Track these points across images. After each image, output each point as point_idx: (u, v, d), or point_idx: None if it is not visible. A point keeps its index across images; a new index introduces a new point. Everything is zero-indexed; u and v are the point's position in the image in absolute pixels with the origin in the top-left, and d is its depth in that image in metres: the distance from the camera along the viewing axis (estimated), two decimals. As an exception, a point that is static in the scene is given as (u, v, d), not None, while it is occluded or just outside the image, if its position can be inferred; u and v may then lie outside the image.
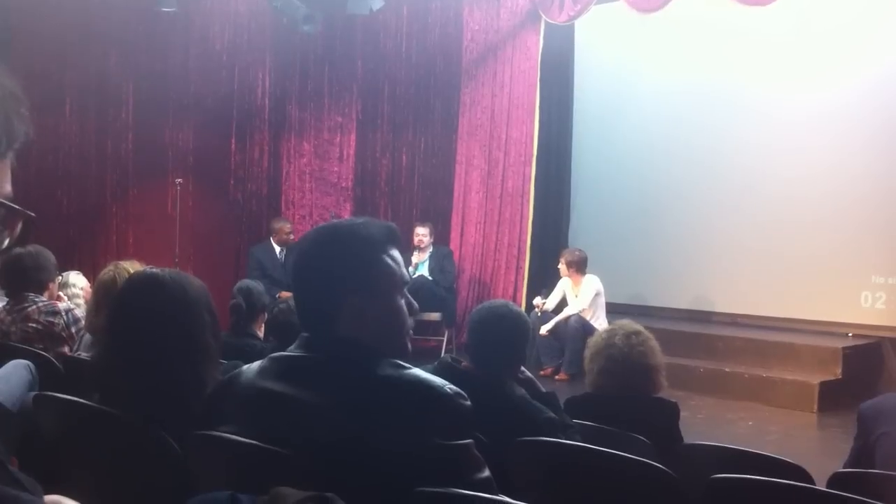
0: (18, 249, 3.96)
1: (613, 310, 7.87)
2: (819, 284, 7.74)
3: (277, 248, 8.44)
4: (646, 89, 8.96)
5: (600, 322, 7.55)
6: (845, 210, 7.59)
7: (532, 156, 9.17)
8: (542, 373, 7.65)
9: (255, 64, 8.92)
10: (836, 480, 2.53)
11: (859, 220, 7.53)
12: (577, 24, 9.08)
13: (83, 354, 3.46)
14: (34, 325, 3.79)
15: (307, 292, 1.78)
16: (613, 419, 2.88)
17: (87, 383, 2.32)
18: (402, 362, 1.71)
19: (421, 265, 8.65)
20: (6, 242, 1.11)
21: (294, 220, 8.92)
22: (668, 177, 8.72)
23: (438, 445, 1.61)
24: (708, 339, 7.86)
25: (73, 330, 3.86)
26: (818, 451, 5.91)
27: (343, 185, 9.34)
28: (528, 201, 9.18)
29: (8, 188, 1.09)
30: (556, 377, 7.68)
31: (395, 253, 1.81)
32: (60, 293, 4.36)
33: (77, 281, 4.98)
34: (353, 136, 9.32)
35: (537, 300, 8.22)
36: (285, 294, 6.71)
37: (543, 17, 8.96)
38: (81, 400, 2.23)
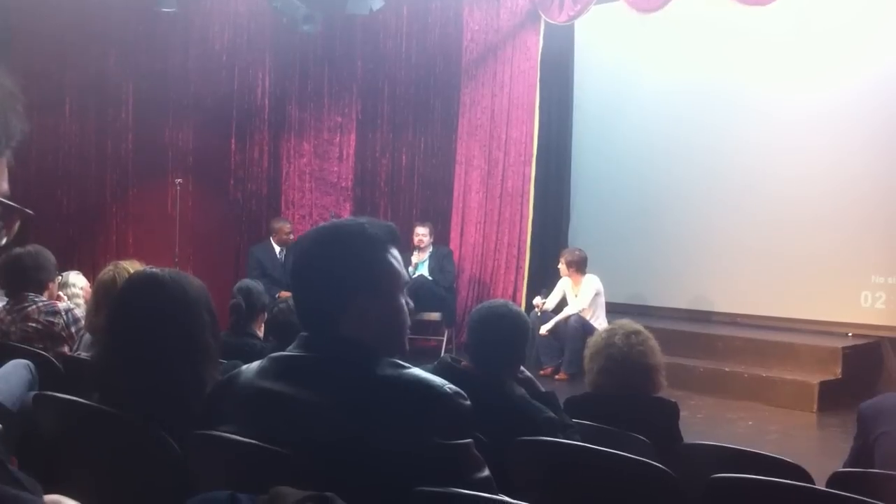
0: (18, 249, 3.96)
1: (613, 309, 7.87)
2: (819, 284, 7.74)
3: (277, 248, 8.44)
4: (646, 89, 8.96)
5: (600, 322, 7.55)
6: (845, 210, 7.59)
7: (532, 156, 9.17)
8: (541, 372, 7.65)
9: (254, 64, 8.92)
10: (835, 480, 2.53)
11: (859, 219, 7.53)
12: (577, 24, 9.08)
13: (83, 354, 3.46)
14: (34, 324, 3.79)
15: (308, 292, 1.78)
16: (613, 419, 2.88)
17: (87, 383, 2.32)
18: (401, 362, 1.71)
19: (421, 265, 8.65)
20: (4, 240, 1.11)
21: (294, 220, 8.92)
22: (668, 177, 8.72)
23: (438, 445, 1.61)
24: (708, 338, 7.86)
25: (73, 330, 3.86)
26: (818, 450, 5.91)
27: (343, 185, 9.34)
28: (527, 201, 9.18)
29: (5, 186, 1.09)
30: (556, 377, 7.68)
31: (396, 253, 1.82)
32: (60, 293, 4.37)
33: (77, 281, 4.98)
34: (352, 136, 9.32)
35: (537, 300, 8.22)
36: (285, 294, 6.70)
37: (543, 17, 8.96)
38: (81, 400, 2.23)
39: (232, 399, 1.81)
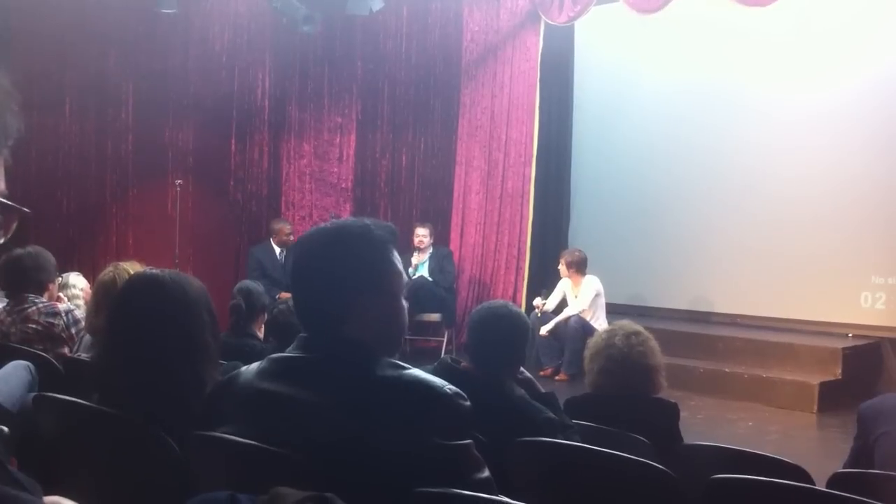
0: (18, 250, 3.97)
1: (613, 310, 7.87)
2: (819, 285, 7.74)
3: (277, 249, 8.44)
4: (646, 89, 8.96)
5: (600, 322, 7.55)
6: (845, 210, 7.59)
7: (532, 156, 9.18)
8: (541, 373, 7.65)
9: (254, 64, 8.92)
10: (835, 481, 2.53)
11: (859, 220, 7.53)
12: (577, 24, 9.08)
13: (83, 355, 3.46)
14: (34, 325, 3.79)
15: (310, 292, 1.78)
16: (613, 419, 2.88)
17: (87, 384, 2.32)
18: (401, 362, 1.72)
19: (421, 266, 8.65)
20: (2, 239, 1.11)
21: (294, 220, 8.92)
22: (668, 177, 8.72)
23: (438, 445, 1.61)
24: (708, 339, 7.86)
25: (73, 331, 3.86)
26: (818, 451, 5.91)
27: (343, 185, 9.34)
28: (527, 202, 9.18)
29: (2, 185, 1.09)
30: (556, 378, 7.68)
31: (397, 254, 1.83)
32: (60, 294, 4.36)
33: (77, 282, 4.98)
34: (352, 137, 9.32)
35: (537, 301, 8.22)
36: (285, 295, 6.70)
37: (543, 17, 8.96)
38: (81, 401, 2.23)
39: (232, 400, 1.81)
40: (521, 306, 7.84)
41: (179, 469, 1.94)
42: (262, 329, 4.14)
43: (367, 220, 1.82)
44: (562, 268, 8.08)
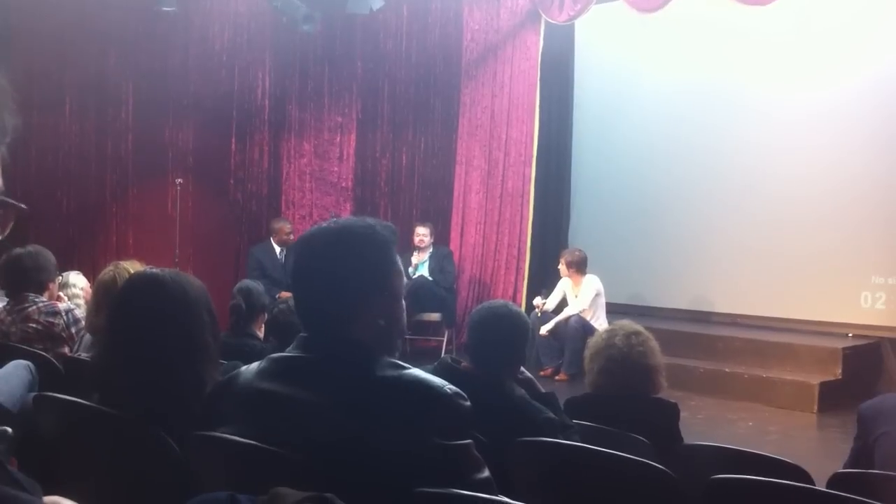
0: (18, 250, 3.97)
1: (613, 310, 7.87)
2: (819, 285, 7.74)
3: (277, 249, 8.44)
4: (646, 89, 8.96)
5: (600, 322, 7.55)
6: (845, 210, 7.59)
7: (532, 156, 9.17)
8: (541, 373, 7.65)
9: (254, 64, 8.92)
10: (835, 481, 2.53)
11: (859, 219, 7.53)
12: (577, 23, 9.08)
13: (83, 355, 3.46)
14: (34, 325, 3.79)
15: (312, 293, 1.77)
16: (613, 419, 2.88)
17: (87, 384, 2.32)
18: (401, 362, 1.72)
19: (421, 265, 8.65)
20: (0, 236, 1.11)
21: (294, 220, 8.91)
22: (669, 177, 8.72)
23: (438, 445, 1.61)
24: (708, 339, 7.86)
25: (73, 330, 3.86)
26: (818, 451, 5.91)
27: (343, 185, 9.34)
28: (528, 201, 9.18)
29: None
30: (556, 377, 7.68)
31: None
32: (60, 293, 4.36)
33: (77, 281, 4.98)
34: (353, 136, 9.32)
35: (537, 300, 8.21)
36: (285, 294, 6.70)
37: (543, 16, 8.96)
38: (81, 400, 2.23)
39: (231, 400, 1.81)
40: (521, 306, 7.82)
41: (179, 469, 1.94)
42: (262, 329, 4.14)
43: (370, 220, 1.81)
44: (562, 267, 8.08)
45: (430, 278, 8.59)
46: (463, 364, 2.81)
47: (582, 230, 9.46)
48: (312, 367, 1.71)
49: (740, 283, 8.24)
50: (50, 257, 4.02)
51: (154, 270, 2.28)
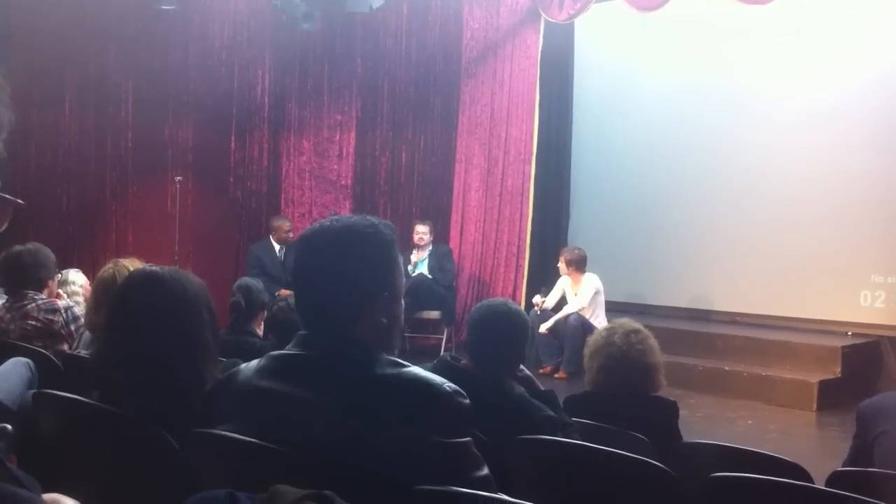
0: (18, 247, 3.97)
1: (613, 308, 7.88)
2: (818, 283, 7.74)
3: (277, 246, 8.44)
4: (646, 88, 8.96)
5: (600, 320, 7.55)
6: (845, 209, 7.59)
7: (532, 154, 9.16)
8: (541, 371, 7.66)
9: (254, 62, 8.91)
10: (835, 479, 2.53)
11: (859, 219, 7.53)
12: (577, 22, 9.08)
13: (82, 352, 3.46)
14: (33, 322, 3.79)
15: (315, 291, 1.76)
16: (612, 417, 2.88)
17: (87, 381, 2.32)
18: (400, 360, 1.71)
19: (420, 263, 8.65)
20: None
21: (293, 218, 8.91)
22: (668, 176, 8.72)
23: (437, 443, 1.61)
24: (707, 337, 7.86)
25: (73, 328, 3.86)
26: (817, 449, 5.92)
27: (342, 183, 9.33)
28: (527, 199, 9.17)
29: None
30: (556, 375, 7.69)
31: None
32: (60, 291, 4.36)
33: (76, 279, 4.98)
34: (352, 134, 9.32)
35: (537, 298, 8.22)
36: (285, 292, 6.70)
37: (543, 15, 8.95)
38: (81, 398, 2.23)
39: (231, 397, 1.81)
40: (520, 304, 7.81)
41: (179, 467, 1.94)
42: (262, 326, 4.14)
43: (372, 219, 1.81)
44: (561, 266, 8.08)
45: (429, 276, 8.59)
46: (462, 362, 2.81)
47: (581, 228, 9.46)
48: (312, 365, 1.71)
49: (740, 282, 8.24)
50: (49, 255, 4.02)
51: (153, 268, 2.27)
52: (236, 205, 8.98)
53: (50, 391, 2.39)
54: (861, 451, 2.97)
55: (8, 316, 3.82)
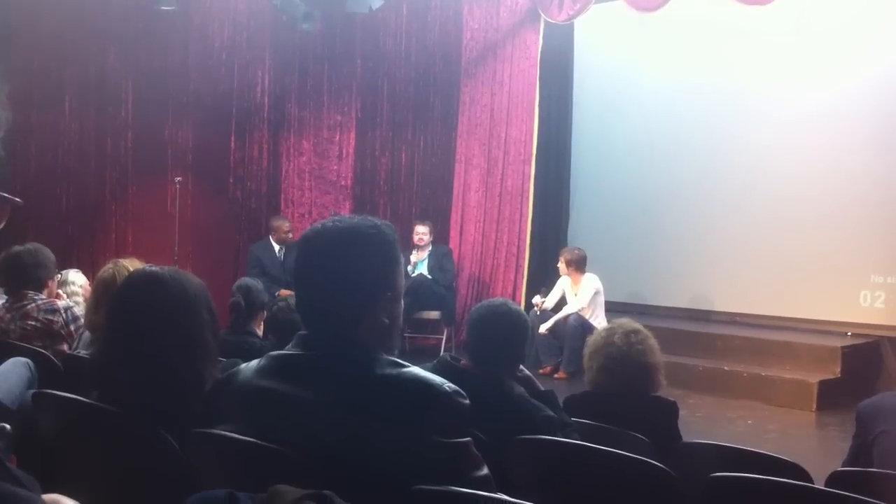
0: (17, 247, 3.97)
1: (613, 308, 7.88)
2: (818, 283, 7.74)
3: (276, 247, 8.44)
4: (646, 88, 8.96)
5: (599, 320, 7.56)
6: (845, 209, 7.59)
7: (531, 154, 9.16)
8: (541, 371, 7.66)
9: (254, 62, 8.92)
10: (834, 479, 2.53)
11: (859, 219, 7.53)
12: (577, 22, 9.07)
13: (82, 352, 3.46)
14: (33, 322, 3.79)
15: (317, 291, 1.76)
16: (612, 417, 2.88)
17: (86, 381, 2.32)
18: (400, 360, 1.71)
19: (420, 263, 8.65)
20: None
21: (293, 218, 8.92)
22: (668, 176, 8.72)
23: (437, 443, 1.61)
24: (707, 337, 7.86)
25: (73, 328, 3.86)
26: (817, 449, 5.92)
27: (342, 183, 9.33)
28: (527, 200, 9.17)
29: None
30: (555, 375, 7.69)
31: None
32: (59, 291, 4.36)
33: (76, 279, 4.98)
34: (352, 135, 9.32)
35: (536, 298, 8.22)
36: (284, 292, 6.71)
37: (543, 15, 8.95)
38: (80, 398, 2.23)
39: (231, 397, 1.81)
40: (520, 304, 7.82)
41: (179, 467, 1.94)
42: (262, 326, 4.14)
43: (374, 219, 1.80)
44: (561, 266, 8.08)
45: (429, 276, 8.60)
46: (462, 362, 2.81)
47: (581, 229, 9.46)
48: (312, 365, 1.71)
49: (740, 282, 8.24)
50: (49, 255, 4.02)
51: (153, 268, 2.27)
52: (236, 205, 8.98)
53: (50, 391, 2.39)
54: (861, 451, 2.97)
55: (8, 316, 3.82)
